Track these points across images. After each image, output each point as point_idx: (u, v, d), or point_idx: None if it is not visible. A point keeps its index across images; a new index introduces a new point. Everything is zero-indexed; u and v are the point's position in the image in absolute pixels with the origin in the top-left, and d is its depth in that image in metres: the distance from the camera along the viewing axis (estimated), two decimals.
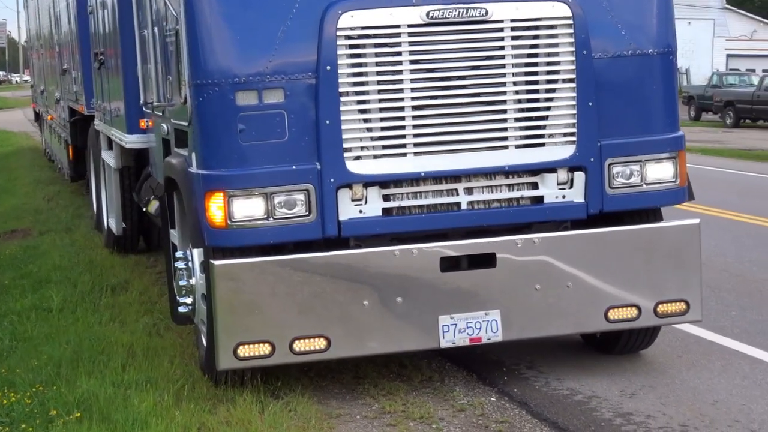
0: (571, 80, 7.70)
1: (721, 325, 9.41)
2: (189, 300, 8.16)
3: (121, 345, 9.02)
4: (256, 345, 7.46)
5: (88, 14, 13.12)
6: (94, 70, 12.91)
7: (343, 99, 7.42)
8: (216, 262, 7.38)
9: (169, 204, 8.99)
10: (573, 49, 7.68)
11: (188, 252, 8.17)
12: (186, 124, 7.73)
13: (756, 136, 33.51)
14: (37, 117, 30.21)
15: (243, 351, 7.44)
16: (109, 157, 12.41)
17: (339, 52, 7.39)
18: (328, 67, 7.38)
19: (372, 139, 7.50)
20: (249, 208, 7.42)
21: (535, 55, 7.67)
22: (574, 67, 7.69)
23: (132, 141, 10.46)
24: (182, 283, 8.12)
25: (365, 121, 7.48)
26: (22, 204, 19.22)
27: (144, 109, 9.93)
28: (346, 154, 7.45)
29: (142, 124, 10.01)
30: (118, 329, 9.62)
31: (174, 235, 8.99)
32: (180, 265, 8.17)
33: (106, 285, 11.55)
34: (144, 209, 10.81)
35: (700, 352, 8.77)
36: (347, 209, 7.53)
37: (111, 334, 9.37)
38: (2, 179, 23.58)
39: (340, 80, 7.40)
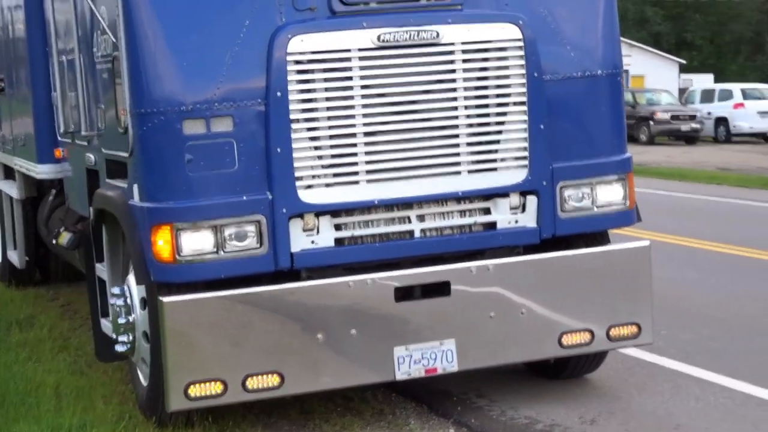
0: (522, 103, 7.57)
1: (656, 346, 9.33)
2: (127, 338, 7.78)
3: (47, 386, 8.60)
4: (208, 383, 7.15)
5: None
6: None
7: (293, 126, 7.17)
8: (165, 299, 7.04)
9: (96, 237, 8.58)
10: (524, 71, 7.55)
11: (125, 288, 7.81)
12: (125, 154, 7.37)
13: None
14: None
15: (194, 390, 7.12)
16: (9, 188, 11.89)
17: (289, 78, 7.13)
18: (279, 93, 7.12)
19: (323, 167, 7.26)
20: (198, 242, 7.11)
21: (486, 78, 7.52)
22: (525, 89, 7.56)
23: (44, 171, 10.02)
24: (121, 320, 7.76)
25: (316, 148, 7.24)
26: None
27: (60, 138, 9.50)
28: (297, 183, 7.20)
29: (58, 153, 9.56)
30: (39, 368, 9.18)
31: (102, 269, 8.58)
32: (117, 301, 7.82)
33: (12, 320, 11.07)
34: (54, 241, 10.32)
35: (645, 374, 8.72)
36: (299, 240, 7.27)
37: (33, 374, 8.94)
38: None
39: (291, 107, 7.14)
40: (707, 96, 45.05)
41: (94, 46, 7.96)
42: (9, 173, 12.47)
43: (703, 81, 60.31)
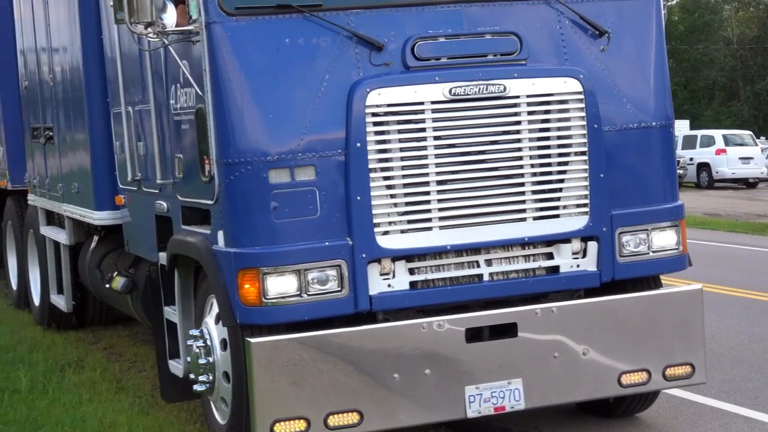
0: (583, 153, 7.96)
1: (695, 386, 9.71)
2: (207, 378, 8.11)
3: (120, 425, 8.89)
4: (292, 422, 7.48)
5: (22, 88, 12.92)
6: (31, 145, 12.71)
7: (371, 175, 7.54)
8: (252, 340, 7.39)
9: (166, 281, 8.93)
10: (584, 123, 7.95)
11: (204, 330, 8.14)
12: (209, 202, 7.73)
13: None
14: None
15: (279, 429, 7.45)
16: (55, 234, 12.21)
17: (367, 129, 7.52)
18: (358, 144, 7.50)
19: (399, 214, 7.63)
20: (282, 285, 7.46)
21: (549, 129, 7.91)
22: (585, 140, 7.95)
23: (102, 217, 10.36)
24: (201, 361, 8.08)
25: (392, 196, 7.61)
26: None
27: (121, 186, 9.85)
28: (375, 230, 7.57)
29: (119, 200, 9.90)
30: (107, 408, 9.45)
31: (171, 312, 8.91)
32: (197, 343, 8.15)
33: (64, 363, 11.36)
34: (107, 285, 10.65)
35: (692, 413, 9.09)
36: (376, 284, 7.63)
37: (103, 415, 9.21)
38: None
39: (369, 156, 7.52)
40: (689, 142, 45.68)
41: (171, 98, 8.32)
42: (50, 219, 12.79)
43: (679, 126, 60.98)
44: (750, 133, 48.24)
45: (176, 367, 8.93)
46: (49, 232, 12.56)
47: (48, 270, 12.76)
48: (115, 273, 10.64)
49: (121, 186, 9.89)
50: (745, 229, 25.16)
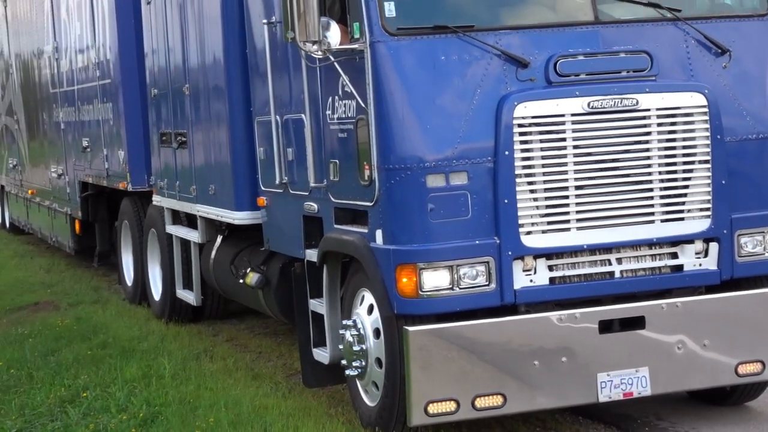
0: (706, 161, 8.71)
1: None
2: (360, 363, 8.91)
3: (271, 408, 9.67)
4: (444, 403, 8.27)
5: (150, 96, 13.77)
6: (159, 149, 13.56)
7: (517, 180, 8.33)
8: (410, 329, 8.19)
9: (311, 276, 9.73)
10: (708, 134, 8.69)
11: (357, 320, 8.95)
12: (368, 203, 8.53)
13: None
14: None
15: (432, 408, 8.24)
16: (186, 232, 13.06)
17: (514, 139, 8.31)
18: (506, 152, 8.30)
19: (540, 216, 8.41)
20: (437, 279, 8.26)
21: (675, 140, 8.67)
22: (709, 149, 8.70)
23: (242, 218, 11.16)
24: (355, 348, 8.88)
25: (535, 200, 8.39)
26: (23, 277, 19.55)
27: (263, 188, 10.66)
28: (520, 230, 8.35)
29: (261, 202, 10.72)
30: (251, 393, 10.26)
31: (316, 304, 9.71)
32: (350, 332, 8.94)
33: (196, 353, 12.19)
34: (240, 281, 11.46)
35: None
36: (520, 279, 8.42)
37: (252, 398, 10.01)
38: None
39: (515, 164, 8.31)
40: None
41: (327, 109, 9.13)
42: (175, 219, 13.65)
43: None
44: None
45: (321, 354, 9.73)
46: (176, 230, 13.41)
47: (175, 267, 13.59)
48: (249, 269, 11.43)
49: (263, 188, 10.69)
50: None
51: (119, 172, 15.39)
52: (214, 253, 12.65)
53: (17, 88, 22.95)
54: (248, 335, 13.53)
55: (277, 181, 10.17)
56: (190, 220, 13.42)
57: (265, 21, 10.00)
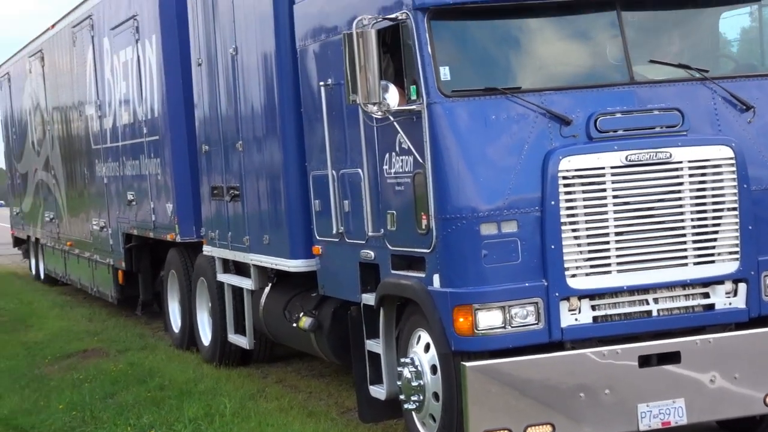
0: (734, 208, 9.51)
1: None
2: (418, 398, 9.68)
3: None
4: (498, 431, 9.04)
5: (200, 153, 14.62)
6: (210, 202, 14.39)
7: (562, 228, 9.14)
8: (467, 364, 8.98)
9: (367, 318, 10.53)
10: (735, 183, 9.49)
11: (414, 357, 9.73)
12: (425, 250, 9.34)
13: None
14: (19, 242, 31.23)
15: None
16: (238, 280, 13.86)
17: (559, 190, 9.13)
18: (552, 202, 9.11)
19: (584, 260, 9.21)
20: (491, 319, 9.06)
21: (705, 189, 9.47)
22: (736, 197, 9.50)
23: (297, 265, 11.97)
24: (413, 384, 9.67)
25: (578, 245, 9.19)
26: (67, 326, 20.32)
27: (318, 237, 11.48)
28: (566, 273, 9.15)
29: (316, 250, 11.53)
30: (310, 428, 11.03)
31: (374, 344, 10.50)
32: (408, 368, 9.72)
33: (250, 393, 12.96)
34: (294, 325, 12.26)
35: None
36: (566, 318, 9.21)
37: None
38: (14, 304, 24.53)
39: (561, 212, 9.13)
40: None
41: (385, 164, 9.96)
42: (225, 268, 14.47)
43: None
44: None
45: (378, 391, 10.51)
46: (228, 278, 14.22)
47: (226, 313, 14.39)
48: (301, 314, 12.24)
49: (318, 238, 11.50)
50: None
51: (167, 224, 16.22)
52: (263, 299, 13.46)
53: (55, 143, 23.84)
54: (296, 377, 14.29)
55: (334, 231, 10.98)
56: (238, 269, 14.23)
57: (322, 83, 10.84)
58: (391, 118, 9.45)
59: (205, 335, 15.49)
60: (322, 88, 10.85)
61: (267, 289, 13.44)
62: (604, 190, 9.22)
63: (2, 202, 34.33)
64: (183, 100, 15.50)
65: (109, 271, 20.15)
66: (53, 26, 23.31)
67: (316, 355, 12.70)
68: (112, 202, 19.28)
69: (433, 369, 9.56)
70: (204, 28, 14.05)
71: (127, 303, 20.17)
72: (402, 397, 9.89)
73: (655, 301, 9.46)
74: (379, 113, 9.44)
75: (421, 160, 9.30)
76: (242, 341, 14.09)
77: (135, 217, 17.97)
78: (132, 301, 19.84)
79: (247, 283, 13.58)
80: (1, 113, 30.53)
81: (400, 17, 9.39)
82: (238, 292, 14.23)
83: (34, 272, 29.01)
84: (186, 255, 16.24)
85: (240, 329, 14.33)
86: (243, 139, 13.08)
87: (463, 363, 9.02)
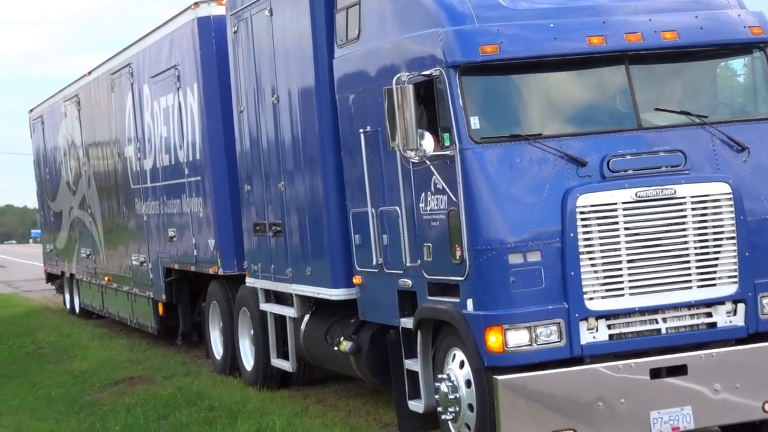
0: (732, 237, 10.73)
1: None
2: (454, 409, 10.91)
3: None
4: None
5: (243, 192, 15.88)
6: (252, 238, 15.64)
7: (581, 257, 10.39)
8: (499, 377, 10.20)
9: (405, 340, 11.77)
10: (733, 215, 10.72)
11: (450, 374, 10.97)
12: (460, 278, 10.59)
13: None
14: (51, 278, 32.49)
15: None
16: (280, 309, 15.11)
17: (577, 223, 10.37)
18: (571, 234, 10.36)
19: (600, 285, 10.45)
20: (519, 338, 10.28)
21: (706, 221, 10.70)
22: (734, 228, 10.72)
23: (339, 294, 13.21)
24: (450, 397, 10.89)
25: (595, 272, 10.43)
26: (109, 356, 21.54)
27: (358, 268, 12.73)
28: (584, 296, 10.39)
29: (357, 280, 12.79)
30: None
31: (412, 363, 11.73)
32: (445, 384, 10.95)
33: (294, 412, 14.18)
34: (335, 348, 13.49)
35: None
36: (585, 336, 10.43)
37: None
38: (53, 337, 25.75)
39: (579, 243, 10.38)
40: None
41: (421, 202, 11.22)
42: (268, 298, 15.72)
43: None
44: None
45: (416, 405, 11.73)
46: (271, 308, 15.47)
47: (269, 339, 15.63)
48: (342, 338, 13.47)
49: (358, 269, 12.76)
50: None
51: (209, 258, 17.47)
52: (304, 326, 14.72)
53: (92, 183, 25.12)
54: (335, 397, 15.52)
55: (374, 263, 12.23)
56: (278, 298, 15.48)
57: (361, 130, 12.11)
58: (427, 162, 10.71)
59: (248, 361, 16.71)
60: (362, 135, 12.10)
61: (307, 317, 14.69)
62: (616, 223, 10.45)
63: (39, 231, 35.28)
64: (224, 144, 16.78)
65: (149, 303, 21.37)
66: (89, 73, 24.64)
67: (355, 376, 13.90)
68: (152, 238, 20.51)
69: (468, 383, 10.78)
70: (245, 79, 15.33)
71: (165, 333, 21.37)
72: (440, 409, 11.10)
73: (664, 320, 10.67)
74: (416, 158, 10.70)
75: (454, 199, 10.55)
76: (285, 365, 15.30)
77: (176, 252, 19.20)
78: (171, 332, 21.06)
79: (289, 312, 14.80)
80: (33, 154, 31.81)
81: (434, 73, 10.66)
82: (279, 320, 15.45)
83: (68, 306, 30.24)
84: (227, 287, 17.47)
85: (281, 354, 15.52)
86: (285, 180, 14.34)
87: (495, 377, 10.23)
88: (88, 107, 24.93)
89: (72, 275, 28.97)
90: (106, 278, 24.65)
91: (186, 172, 18.23)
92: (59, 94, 28.06)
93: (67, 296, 30.31)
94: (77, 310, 29.10)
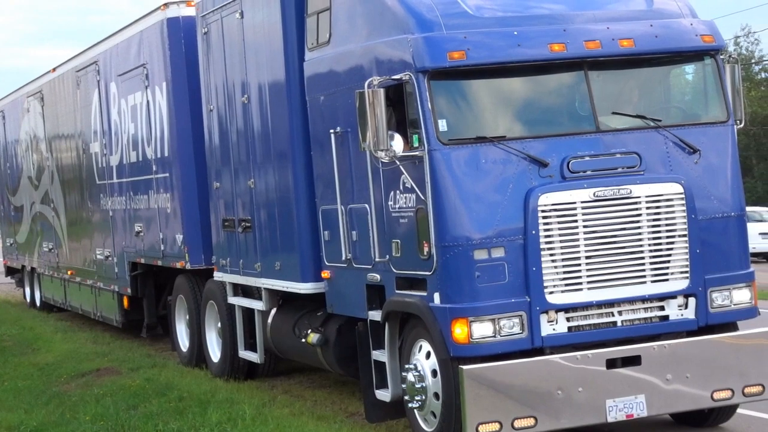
0: (684, 235, 11.35)
1: (759, 405, 13.02)
2: (420, 398, 11.45)
3: None
4: (490, 424, 10.77)
5: (212, 189, 16.34)
6: (221, 233, 16.11)
7: (542, 253, 10.96)
8: (464, 367, 10.75)
9: (373, 332, 12.30)
10: (685, 214, 11.34)
11: (417, 364, 11.52)
12: (427, 273, 11.13)
13: None
14: (11, 272, 32.72)
15: (482, 429, 10.75)
16: (248, 302, 15.59)
17: (538, 221, 10.95)
18: (533, 232, 10.93)
19: (559, 279, 11.03)
20: (483, 329, 10.85)
21: (659, 220, 11.32)
22: (686, 226, 11.34)
23: (307, 288, 13.71)
24: (417, 386, 11.44)
25: (555, 267, 11.02)
26: (73, 348, 21.79)
27: (327, 263, 13.25)
28: (545, 290, 10.97)
29: (325, 274, 13.30)
30: (324, 429, 12.76)
31: (379, 354, 12.26)
32: (411, 373, 11.49)
33: (262, 402, 14.66)
34: (303, 340, 13.99)
35: (762, 423, 12.38)
36: (545, 328, 11.01)
37: None
38: (15, 329, 25.98)
39: (540, 240, 10.95)
40: None
41: (390, 200, 11.76)
42: (236, 292, 16.20)
43: None
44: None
45: (383, 394, 12.26)
46: (239, 301, 15.94)
47: (237, 331, 16.10)
48: (309, 330, 13.97)
49: (327, 263, 13.27)
50: None
51: (176, 253, 17.90)
52: (271, 319, 15.21)
53: (55, 178, 25.42)
54: (301, 388, 16.02)
55: (343, 258, 12.75)
56: (245, 292, 15.96)
57: (332, 130, 12.62)
58: (397, 162, 11.24)
59: (214, 353, 17.17)
60: (332, 135, 12.61)
61: (274, 310, 15.17)
62: (575, 221, 11.04)
63: None
64: (192, 141, 17.21)
65: (113, 297, 21.74)
66: (54, 70, 24.94)
67: (322, 367, 14.41)
68: (118, 232, 20.87)
69: (434, 373, 11.33)
70: (215, 79, 15.79)
71: (130, 326, 21.75)
72: (406, 398, 11.65)
73: (620, 313, 11.28)
74: (386, 158, 11.23)
75: (423, 197, 11.09)
76: (253, 356, 15.78)
77: (143, 247, 19.60)
78: (135, 325, 21.45)
79: (257, 305, 15.28)
80: None
81: (404, 78, 11.18)
82: (246, 313, 15.92)
83: (29, 300, 30.48)
84: (194, 281, 17.91)
85: (248, 346, 16.00)
86: (255, 177, 14.82)
87: (461, 366, 10.78)
88: (52, 103, 25.22)
89: (33, 269, 29.24)
90: (69, 272, 24.96)
91: (154, 168, 18.63)
92: (21, 90, 28.33)
93: (28, 290, 30.55)
94: (38, 303, 29.35)
